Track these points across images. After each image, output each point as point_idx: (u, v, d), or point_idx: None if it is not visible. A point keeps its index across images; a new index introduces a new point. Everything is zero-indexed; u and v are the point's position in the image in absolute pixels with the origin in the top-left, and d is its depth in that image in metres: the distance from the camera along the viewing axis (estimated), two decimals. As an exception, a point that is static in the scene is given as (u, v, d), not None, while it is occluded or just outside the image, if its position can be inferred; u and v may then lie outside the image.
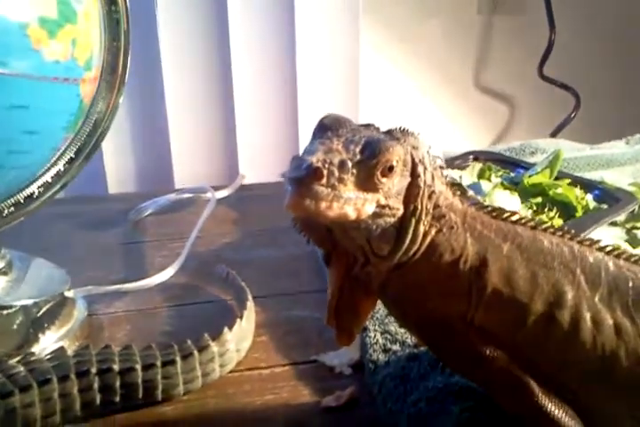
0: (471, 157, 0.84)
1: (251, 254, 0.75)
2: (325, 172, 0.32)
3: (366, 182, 0.33)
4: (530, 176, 0.75)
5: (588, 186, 0.75)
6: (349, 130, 0.35)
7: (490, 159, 0.84)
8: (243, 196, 0.93)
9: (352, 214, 0.33)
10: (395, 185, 0.35)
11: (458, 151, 0.87)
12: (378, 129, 0.37)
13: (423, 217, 0.36)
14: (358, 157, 0.33)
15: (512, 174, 0.80)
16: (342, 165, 0.33)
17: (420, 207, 0.36)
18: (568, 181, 0.74)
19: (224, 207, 0.87)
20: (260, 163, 1.03)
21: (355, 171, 0.33)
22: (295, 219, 0.37)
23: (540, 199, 0.72)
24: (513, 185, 0.75)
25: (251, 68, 1.00)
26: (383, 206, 0.34)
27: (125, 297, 0.65)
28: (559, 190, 0.72)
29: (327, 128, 0.35)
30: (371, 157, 0.33)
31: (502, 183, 0.75)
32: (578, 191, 0.73)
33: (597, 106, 1.20)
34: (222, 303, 0.65)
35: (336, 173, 0.32)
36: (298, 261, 0.73)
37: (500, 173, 0.80)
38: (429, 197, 0.37)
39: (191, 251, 0.71)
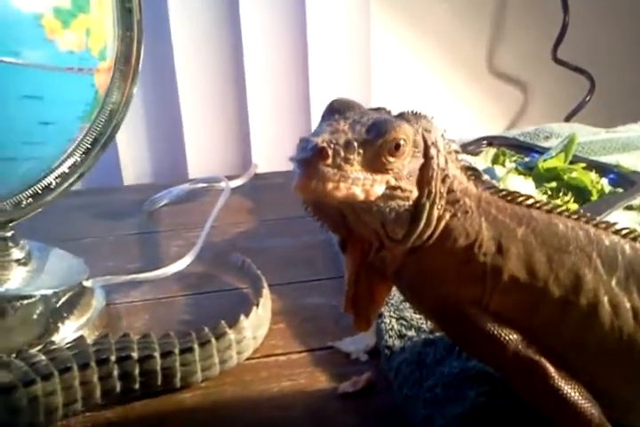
0: (485, 142, 0.83)
1: (266, 243, 0.75)
2: (331, 152, 0.32)
3: (374, 163, 0.33)
4: (544, 161, 0.74)
5: (603, 170, 0.74)
6: (358, 112, 0.35)
7: (504, 144, 0.83)
8: (257, 185, 0.93)
9: (360, 195, 0.33)
10: (405, 166, 0.34)
11: (471, 137, 0.86)
12: (389, 112, 0.37)
13: (437, 200, 0.36)
14: (365, 136, 0.33)
15: (526, 159, 0.79)
16: (348, 144, 0.33)
17: (433, 191, 0.36)
18: (583, 164, 0.73)
19: (238, 197, 0.88)
20: (274, 151, 1.02)
21: (361, 151, 0.33)
22: (305, 202, 0.37)
23: (554, 184, 0.71)
24: (527, 170, 0.75)
25: (263, 56, 1.00)
26: (394, 188, 0.34)
27: (143, 286, 0.65)
28: (574, 175, 0.71)
29: (335, 111, 0.35)
30: (377, 137, 0.33)
31: (516, 168, 0.75)
32: (593, 175, 0.72)
33: (612, 89, 1.19)
34: (238, 292, 0.65)
35: (342, 153, 0.32)
36: (313, 249, 0.73)
37: (514, 159, 0.80)
38: (443, 180, 0.36)
39: (206, 240, 0.72)
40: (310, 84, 1.03)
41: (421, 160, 0.36)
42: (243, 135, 1.04)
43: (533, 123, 1.02)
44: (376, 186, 0.34)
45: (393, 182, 0.34)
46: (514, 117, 1.25)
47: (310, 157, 0.32)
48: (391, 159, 0.34)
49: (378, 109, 0.37)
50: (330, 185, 0.32)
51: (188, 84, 0.99)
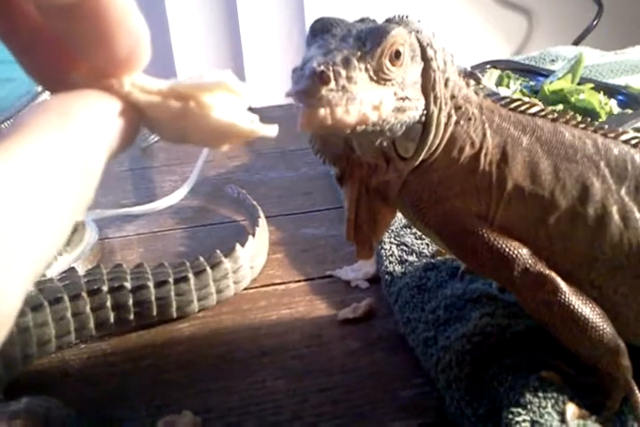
0: (488, 66, 0.79)
1: (262, 176, 0.73)
2: (331, 74, 0.29)
3: (377, 76, 0.31)
4: (550, 83, 0.71)
5: (611, 91, 0.71)
6: (344, 27, 0.32)
7: (508, 68, 0.79)
8: (252, 119, 0.90)
9: (373, 116, 0.30)
10: (408, 73, 0.32)
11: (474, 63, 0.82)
12: (374, 21, 0.34)
13: (443, 107, 0.34)
14: (361, 50, 0.30)
15: (531, 83, 0.76)
16: (347, 62, 0.30)
17: (439, 95, 0.34)
18: (591, 85, 0.70)
19: (233, 131, 0.85)
20: (268, 85, 0.99)
21: (362, 66, 0.30)
22: (313, 139, 0.35)
23: (561, 106, 0.68)
24: (533, 93, 0.72)
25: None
26: (402, 99, 0.32)
27: (137, 220, 0.64)
28: (581, 96, 0.68)
29: (320, 31, 0.32)
30: (374, 46, 0.31)
31: (522, 91, 0.72)
32: (601, 96, 0.69)
33: (621, 12, 1.14)
34: (235, 224, 0.63)
35: (342, 73, 0.29)
36: (311, 181, 0.71)
37: (519, 82, 0.76)
38: (445, 84, 0.34)
39: (201, 175, 0.70)
40: (305, 14, 0.98)
41: (421, 64, 0.33)
42: (236, 69, 1.01)
43: (540, 49, 0.98)
44: (385, 102, 0.31)
45: (400, 93, 0.32)
46: (519, 44, 1.20)
47: (310, 86, 0.28)
48: (392, 68, 0.31)
49: (363, 20, 0.34)
50: (339, 111, 0.29)
51: (179, 18, 0.95)
